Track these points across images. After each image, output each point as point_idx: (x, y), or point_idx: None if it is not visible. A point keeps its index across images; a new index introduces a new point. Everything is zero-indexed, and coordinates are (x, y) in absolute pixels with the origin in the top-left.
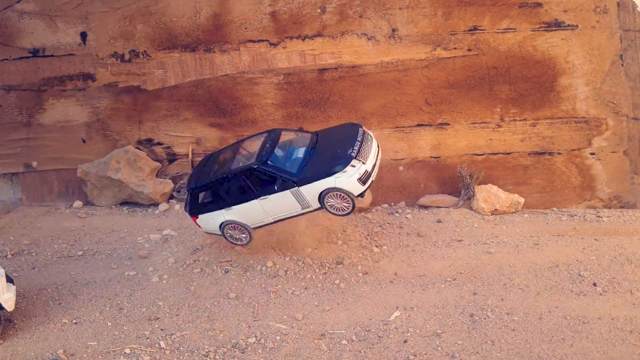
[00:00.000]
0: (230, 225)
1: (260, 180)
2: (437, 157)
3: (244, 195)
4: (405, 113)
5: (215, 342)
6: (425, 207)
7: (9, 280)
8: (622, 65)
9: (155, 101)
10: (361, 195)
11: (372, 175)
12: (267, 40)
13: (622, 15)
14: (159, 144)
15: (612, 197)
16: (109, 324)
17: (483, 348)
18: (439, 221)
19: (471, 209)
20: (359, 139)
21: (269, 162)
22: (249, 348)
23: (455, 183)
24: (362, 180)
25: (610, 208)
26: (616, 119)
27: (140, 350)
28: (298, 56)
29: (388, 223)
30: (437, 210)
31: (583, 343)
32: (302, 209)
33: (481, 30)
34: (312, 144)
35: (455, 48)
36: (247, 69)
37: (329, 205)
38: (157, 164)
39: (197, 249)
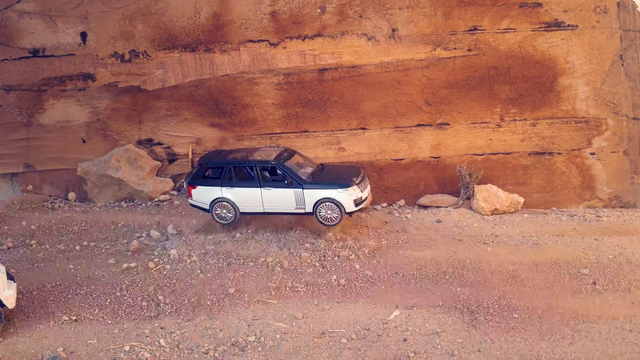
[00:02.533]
0: (221, 203)
1: (271, 175)
2: (437, 157)
3: (250, 182)
4: (405, 113)
5: (215, 340)
6: (425, 206)
7: (10, 277)
8: (622, 65)
9: (155, 101)
10: (350, 214)
11: (363, 203)
12: (267, 40)
13: (622, 15)
14: (159, 143)
15: (612, 197)
16: (109, 321)
17: (483, 346)
18: (439, 221)
19: (471, 208)
20: (360, 175)
21: (285, 163)
22: (249, 346)
23: (455, 183)
24: (356, 203)
25: (610, 208)
26: (616, 119)
27: (140, 347)
28: (298, 56)
29: (388, 222)
30: (437, 210)
31: (583, 342)
32: (295, 208)
33: (481, 30)
34: (319, 169)
35: (455, 48)
36: (247, 69)
37: (319, 214)
38: (158, 162)
39: (197, 246)
